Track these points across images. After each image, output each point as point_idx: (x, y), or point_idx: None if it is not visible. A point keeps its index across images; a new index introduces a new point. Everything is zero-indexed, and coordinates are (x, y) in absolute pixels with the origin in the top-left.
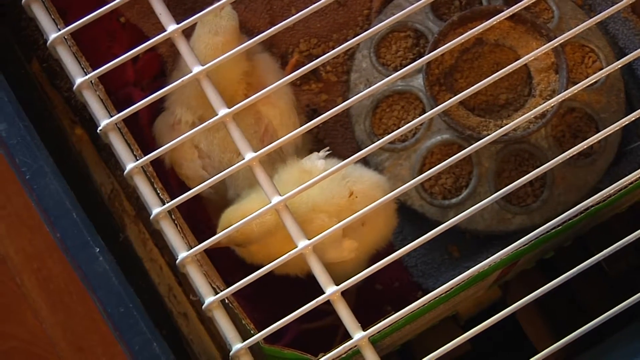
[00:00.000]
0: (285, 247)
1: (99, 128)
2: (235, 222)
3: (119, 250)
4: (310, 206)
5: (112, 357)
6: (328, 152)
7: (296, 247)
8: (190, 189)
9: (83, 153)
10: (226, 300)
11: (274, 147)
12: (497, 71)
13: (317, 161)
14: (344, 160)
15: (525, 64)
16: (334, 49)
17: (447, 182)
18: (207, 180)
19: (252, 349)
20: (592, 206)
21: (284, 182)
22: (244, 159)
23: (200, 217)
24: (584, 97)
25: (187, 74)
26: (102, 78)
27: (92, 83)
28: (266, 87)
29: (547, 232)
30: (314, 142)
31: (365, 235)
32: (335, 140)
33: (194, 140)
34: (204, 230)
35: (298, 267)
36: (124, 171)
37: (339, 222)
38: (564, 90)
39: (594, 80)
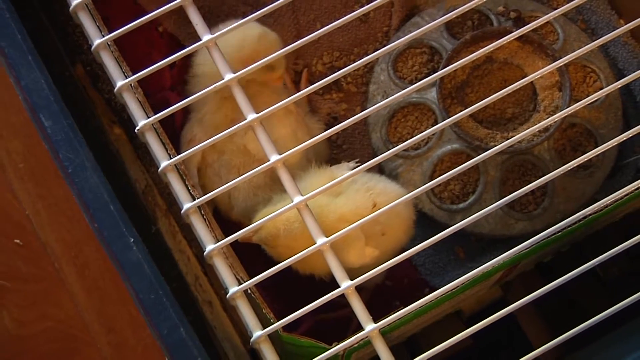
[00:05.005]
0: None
1: (137, 128)
2: (267, 222)
3: (150, 241)
4: (338, 216)
5: (141, 339)
6: (358, 163)
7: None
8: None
9: (121, 150)
10: (249, 291)
11: (299, 149)
12: (505, 87)
13: (346, 171)
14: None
15: (531, 82)
16: (355, 62)
17: (455, 188)
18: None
19: (271, 336)
20: (589, 215)
21: (313, 188)
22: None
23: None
24: (585, 114)
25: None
26: (141, 82)
27: (131, 86)
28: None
29: (547, 237)
30: (333, 147)
31: (385, 244)
32: (353, 146)
33: (206, 161)
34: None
35: (323, 268)
36: (158, 168)
37: (363, 231)
38: (567, 107)
39: (595, 99)
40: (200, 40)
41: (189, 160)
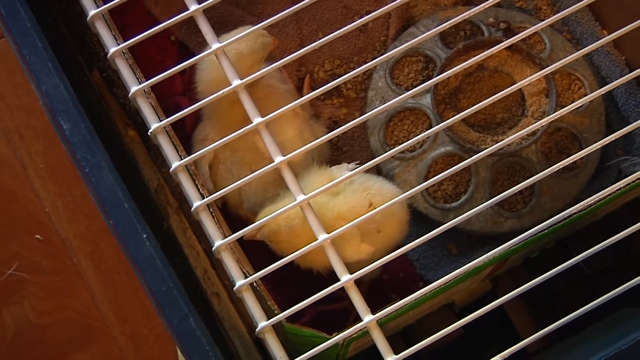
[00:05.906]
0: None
1: (150, 130)
2: (270, 220)
3: (162, 237)
4: (335, 214)
5: (153, 328)
6: (357, 164)
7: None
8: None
9: (134, 152)
10: (254, 284)
11: (302, 151)
12: (496, 94)
13: (346, 172)
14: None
15: (520, 88)
16: (354, 69)
17: (448, 188)
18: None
19: (275, 326)
20: (574, 214)
21: (313, 187)
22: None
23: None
24: (570, 119)
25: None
26: (154, 87)
27: (145, 91)
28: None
29: (534, 235)
30: (334, 149)
31: (380, 241)
32: (352, 148)
33: (218, 158)
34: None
35: (322, 263)
36: (169, 168)
37: (359, 229)
38: (553, 112)
39: (579, 105)
40: (210, 48)
41: (201, 158)
